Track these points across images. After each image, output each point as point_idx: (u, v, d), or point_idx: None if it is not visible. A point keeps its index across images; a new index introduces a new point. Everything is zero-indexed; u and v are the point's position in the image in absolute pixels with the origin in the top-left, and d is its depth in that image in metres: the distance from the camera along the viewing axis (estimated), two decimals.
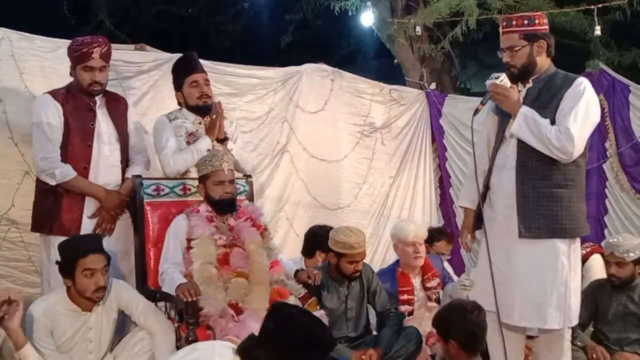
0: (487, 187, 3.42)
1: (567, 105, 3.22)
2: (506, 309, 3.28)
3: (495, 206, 3.38)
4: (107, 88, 3.81)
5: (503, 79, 3.27)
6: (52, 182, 3.53)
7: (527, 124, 3.21)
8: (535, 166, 3.26)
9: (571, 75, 3.33)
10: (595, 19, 5.86)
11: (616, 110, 5.88)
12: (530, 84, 3.36)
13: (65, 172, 3.53)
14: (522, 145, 3.28)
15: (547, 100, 3.28)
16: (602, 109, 5.99)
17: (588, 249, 4.51)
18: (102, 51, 3.62)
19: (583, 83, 3.26)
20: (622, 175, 5.87)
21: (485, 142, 3.51)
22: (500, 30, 3.35)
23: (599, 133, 6.02)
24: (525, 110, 3.23)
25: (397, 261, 4.57)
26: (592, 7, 5.82)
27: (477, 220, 3.50)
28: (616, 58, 6.70)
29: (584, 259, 4.34)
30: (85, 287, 3.17)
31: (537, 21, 3.29)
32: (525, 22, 3.29)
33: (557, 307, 3.24)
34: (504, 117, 3.36)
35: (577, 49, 6.78)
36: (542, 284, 3.25)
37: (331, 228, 4.27)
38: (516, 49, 3.29)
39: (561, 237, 3.26)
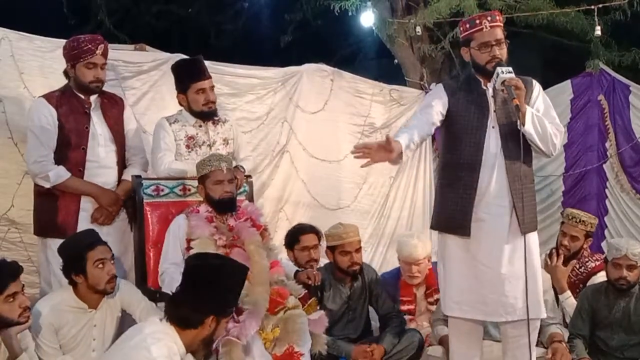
0: (473, 187, 3.26)
1: (541, 104, 3.29)
2: (509, 308, 3.23)
3: (485, 207, 3.26)
4: (106, 88, 3.82)
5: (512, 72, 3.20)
6: (47, 185, 3.55)
7: (536, 121, 3.19)
8: (519, 163, 3.23)
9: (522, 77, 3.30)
10: (596, 19, 5.84)
11: (616, 111, 5.87)
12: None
13: (59, 174, 3.55)
14: (505, 141, 3.23)
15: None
16: (602, 109, 6.00)
17: (598, 262, 4.27)
18: (104, 48, 3.66)
19: (538, 84, 3.32)
20: (623, 175, 5.86)
21: (433, 115, 3.29)
22: (487, 25, 3.24)
23: (599, 133, 6.02)
24: (529, 108, 3.21)
25: None
26: (592, 7, 5.81)
27: (447, 224, 3.37)
28: (616, 58, 6.67)
29: (594, 271, 4.24)
30: (99, 278, 3.18)
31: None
32: (500, 18, 3.30)
33: (539, 296, 3.31)
34: (484, 110, 3.28)
35: (577, 49, 6.76)
36: (535, 276, 3.28)
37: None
38: (503, 42, 3.27)
39: (534, 230, 3.35)
